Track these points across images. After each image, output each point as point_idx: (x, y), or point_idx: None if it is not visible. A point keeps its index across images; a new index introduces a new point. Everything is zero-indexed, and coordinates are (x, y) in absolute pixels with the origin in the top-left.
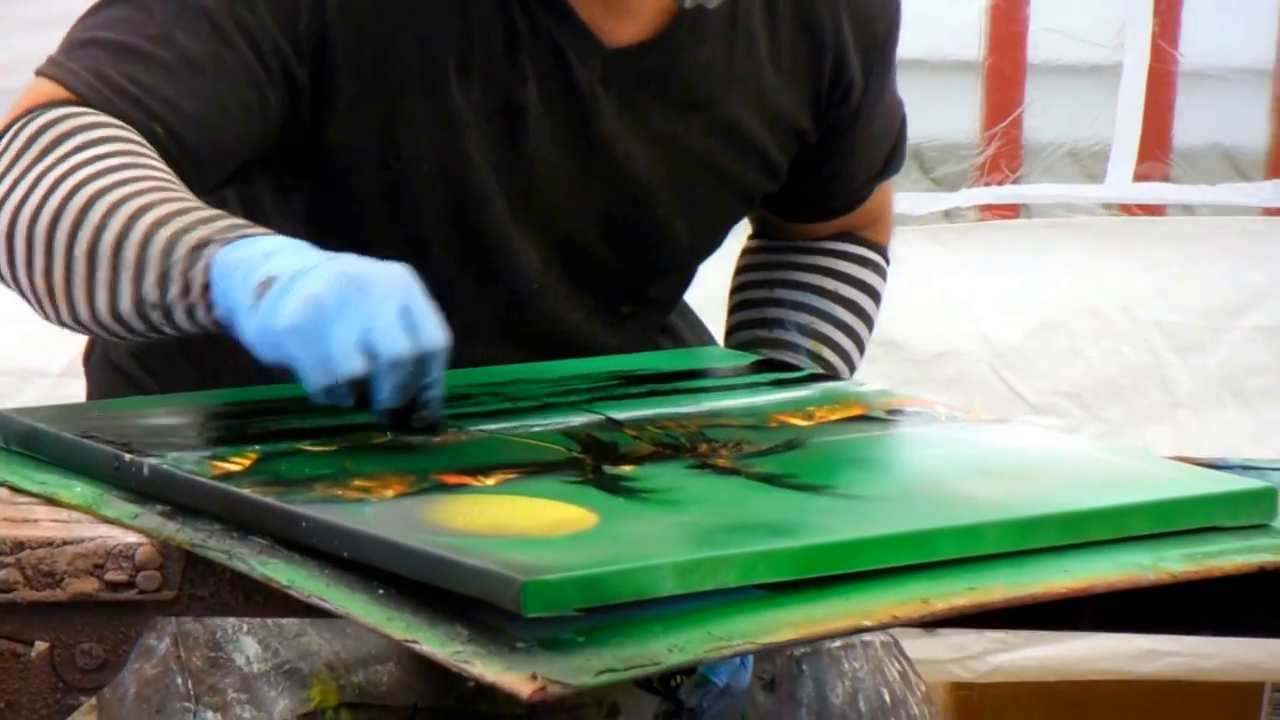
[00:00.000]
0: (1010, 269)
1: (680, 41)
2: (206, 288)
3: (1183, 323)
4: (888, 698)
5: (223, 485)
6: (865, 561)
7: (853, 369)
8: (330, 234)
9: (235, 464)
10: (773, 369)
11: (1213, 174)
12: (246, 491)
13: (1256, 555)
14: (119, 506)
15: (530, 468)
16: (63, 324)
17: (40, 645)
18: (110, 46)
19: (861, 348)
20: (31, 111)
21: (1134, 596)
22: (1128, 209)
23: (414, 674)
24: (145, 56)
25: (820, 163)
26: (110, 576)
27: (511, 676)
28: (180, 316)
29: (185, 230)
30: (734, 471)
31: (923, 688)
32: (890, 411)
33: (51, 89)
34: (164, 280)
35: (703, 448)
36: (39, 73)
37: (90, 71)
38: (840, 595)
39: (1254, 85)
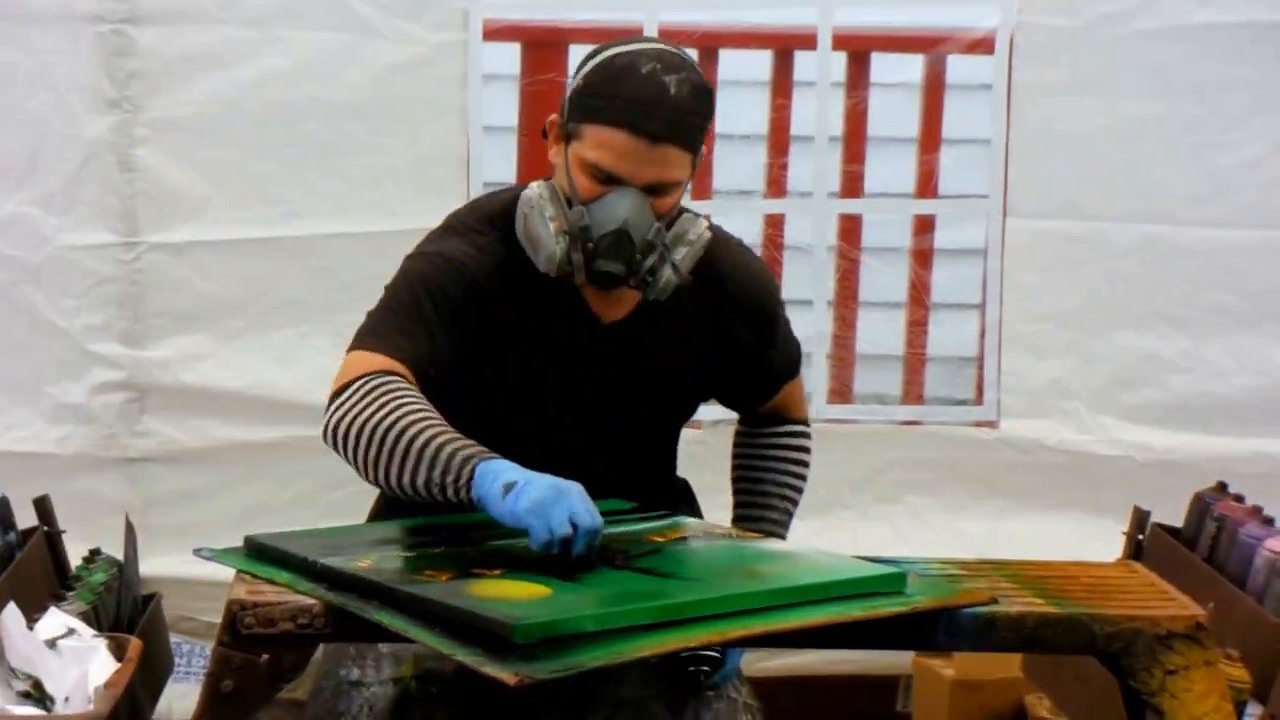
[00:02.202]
0: None
1: (642, 321)
2: (470, 482)
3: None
4: None
5: (357, 573)
6: (692, 613)
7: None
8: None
9: (364, 563)
10: (644, 511)
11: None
12: (370, 577)
13: (894, 607)
14: (305, 585)
15: (518, 565)
16: (381, 488)
17: (264, 657)
18: (388, 334)
19: (802, 489)
20: (376, 374)
21: (836, 628)
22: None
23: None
24: (408, 334)
25: (737, 377)
26: (300, 621)
27: (505, 673)
28: (450, 494)
29: (460, 449)
30: (626, 567)
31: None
32: (705, 532)
33: (376, 359)
34: (444, 473)
35: (609, 553)
36: (364, 349)
37: (391, 348)
38: (679, 631)
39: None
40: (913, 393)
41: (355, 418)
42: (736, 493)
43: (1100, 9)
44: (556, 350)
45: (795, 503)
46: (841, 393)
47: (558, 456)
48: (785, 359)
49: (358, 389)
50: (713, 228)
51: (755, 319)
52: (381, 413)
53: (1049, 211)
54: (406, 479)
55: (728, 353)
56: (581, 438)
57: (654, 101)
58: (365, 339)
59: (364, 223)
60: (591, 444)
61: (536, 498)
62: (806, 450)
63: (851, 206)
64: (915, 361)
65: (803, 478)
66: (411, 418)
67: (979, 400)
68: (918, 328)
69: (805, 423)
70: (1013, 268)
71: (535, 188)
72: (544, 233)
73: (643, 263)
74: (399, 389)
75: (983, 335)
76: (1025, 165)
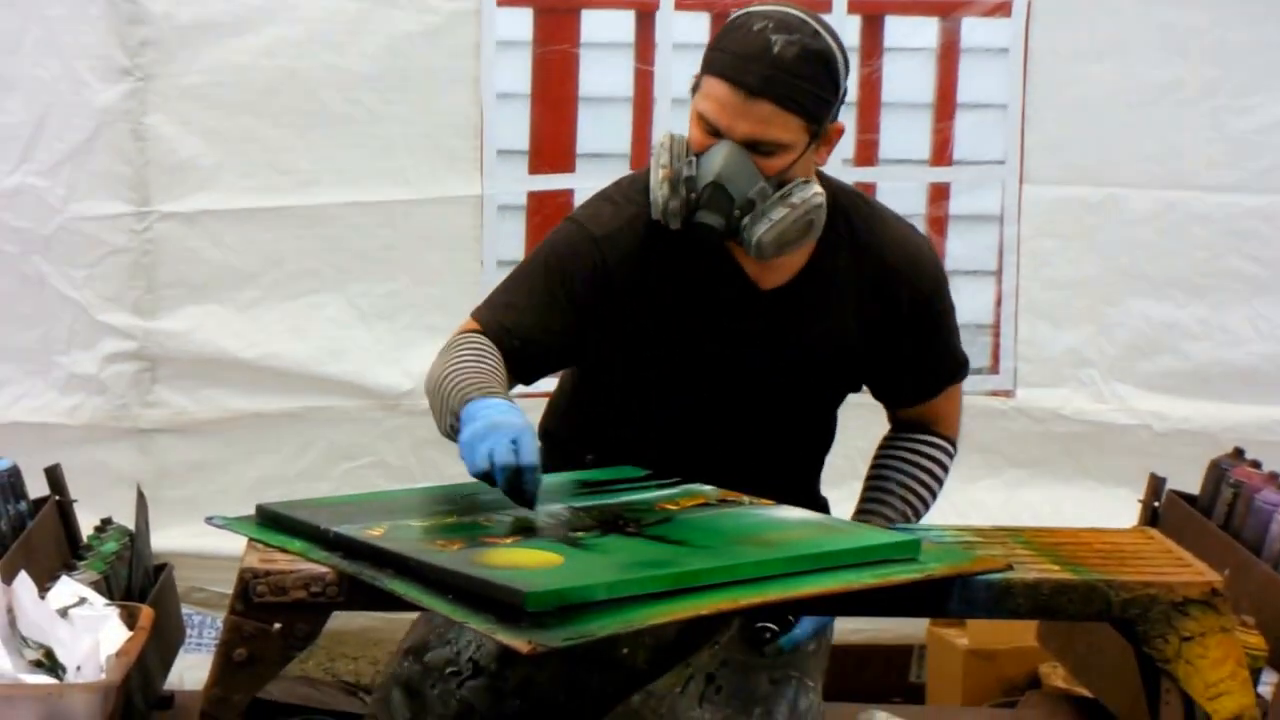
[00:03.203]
0: None
1: (802, 288)
2: (459, 420)
3: None
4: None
5: (370, 541)
6: (704, 580)
7: (926, 509)
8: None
9: (376, 532)
10: (656, 479)
11: None
12: (382, 544)
13: (908, 575)
14: (318, 554)
15: (529, 533)
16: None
17: (276, 625)
18: (497, 302)
19: (930, 500)
20: (463, 333)
21: (849, 596)
22: None
23: None
24: (509, 305)
25: (897, 357)
26: (313, 589)
27: (517, 640)
28: (456, 436)
29: (466, 389)
30: (638, 534)
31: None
32: (719, 500)
33: (471, 323)
34: (452, 415)
35: (621, 521)
36: (472, 315)
37: (488, 314)
38: (691, 599)
39: None
40: None
41: (428, 379)
42: (864, 489)
43: None
44: (712, 318)
45: (916, 510)
46: None
47: (702, 438)
48: (948, 359)
49: (439, 353)
50: (871, 202)
51: (916, 289)
52: (437, 370)
53: (1066, 177)
54: (441, 425)
55: (889, 324)
56: (732, 413)
57: (753, 56)
58: (481, 304)
59: (377, 192)
60: (741, 423)
61: (474, 430)
62: (943, 465)
63: (866, 174)
64: None
65: (930, 489)
66: (451, 369)
67: (995, 369)
68: None
69: (952, 441)
70: (1029, 234)
71: (661, 138)
72: (653, 181)
73: (741, 219)
74: (465, 347)
75: (999, 303)
76: (1042, 131)
